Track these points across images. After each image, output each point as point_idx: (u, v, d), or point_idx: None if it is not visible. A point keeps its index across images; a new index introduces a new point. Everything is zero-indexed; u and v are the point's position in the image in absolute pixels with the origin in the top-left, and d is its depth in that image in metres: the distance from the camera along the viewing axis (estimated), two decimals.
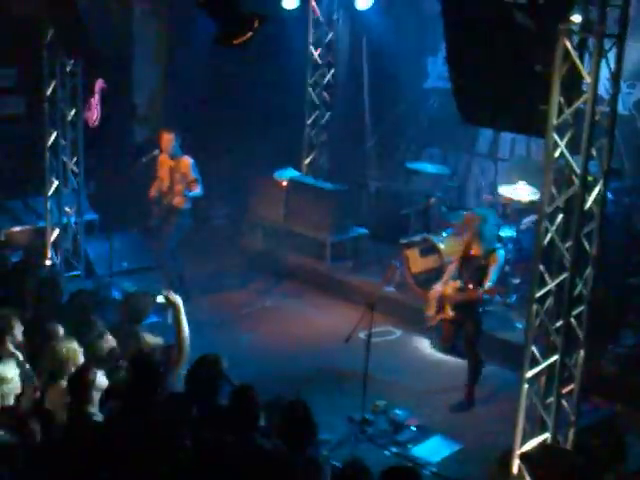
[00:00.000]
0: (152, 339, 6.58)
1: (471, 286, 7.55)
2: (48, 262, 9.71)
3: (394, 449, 7.09)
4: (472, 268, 7.72)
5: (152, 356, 6.14)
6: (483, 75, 5.72)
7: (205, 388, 5.64)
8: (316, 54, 11.41)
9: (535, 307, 5.86)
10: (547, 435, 5.97)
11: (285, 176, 11.21)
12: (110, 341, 6.28)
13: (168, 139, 9.54)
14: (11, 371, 5.71)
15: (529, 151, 10.60)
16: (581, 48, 5.49)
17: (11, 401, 5.60)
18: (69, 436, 5.25)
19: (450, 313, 7.81)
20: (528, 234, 9.15)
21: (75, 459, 5.02)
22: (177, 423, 5.16)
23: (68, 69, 9.50)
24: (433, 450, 7.13)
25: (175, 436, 5.07)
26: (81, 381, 5.44)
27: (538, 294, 5.84)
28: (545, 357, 5.93)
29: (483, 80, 5.79)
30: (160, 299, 6.52)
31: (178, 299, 6.31)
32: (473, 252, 7.77)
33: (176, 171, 9.58)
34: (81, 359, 5.90)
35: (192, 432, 5.12)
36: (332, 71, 11.49)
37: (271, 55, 11.12)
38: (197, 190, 9.60)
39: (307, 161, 11.67)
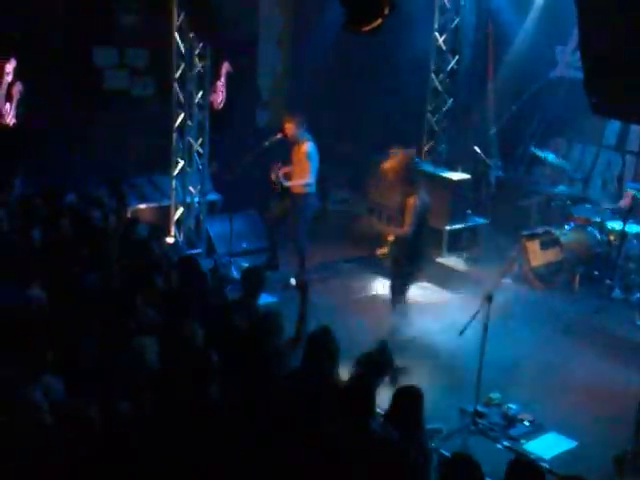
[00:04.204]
0: None
1: None
2: (170, 239, 10.03)
3: (506, 443, 7.00)
4: None
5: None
6: (617, 63, 5.53)
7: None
8: (441, 40, 11.27)
9: None
10: None
11: None
12: None
13: (288, 127, 9.47)
14: None
15: None
16: None
17: None
18: None
19: None
20: None
21: None
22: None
23: (196, 52, 9.74)
24: (546, 446, 7.00)
25: None
26: None
27: None
28: None
29: (617, 69, 5.60)
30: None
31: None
32: None
33: (295, 156, 9.62)
34: None
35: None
36: (456, 57, 11.34)
37: (396, 41, 11.05)
38: (302, 180, 9.48)
39: (427, 147, 11.59)
